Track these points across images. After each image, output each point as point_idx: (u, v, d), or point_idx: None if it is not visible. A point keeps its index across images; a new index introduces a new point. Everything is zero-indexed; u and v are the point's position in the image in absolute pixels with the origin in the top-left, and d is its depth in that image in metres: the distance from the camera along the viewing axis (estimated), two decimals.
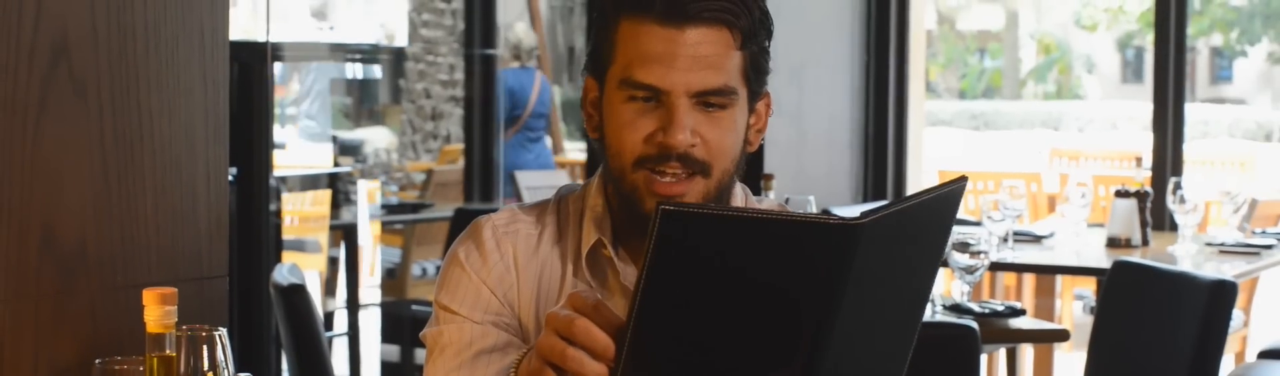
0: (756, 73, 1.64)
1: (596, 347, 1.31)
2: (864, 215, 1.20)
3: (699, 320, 1.25)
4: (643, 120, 1.61)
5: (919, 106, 6.07)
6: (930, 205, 1.30)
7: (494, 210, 1.77)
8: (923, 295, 1.40)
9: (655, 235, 1.22)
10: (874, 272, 1.25)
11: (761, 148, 4.79)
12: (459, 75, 8.80)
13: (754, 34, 1.62)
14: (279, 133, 5.88)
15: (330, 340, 4.99)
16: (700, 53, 1.59)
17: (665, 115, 1.59)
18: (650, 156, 1.60)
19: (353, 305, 5.39)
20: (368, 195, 5.76)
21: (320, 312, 3.23)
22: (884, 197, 5.89)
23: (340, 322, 5.47)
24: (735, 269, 1.23)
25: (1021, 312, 3.36)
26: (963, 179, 1.36)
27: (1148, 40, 19.12)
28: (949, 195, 1.34)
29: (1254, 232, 4.86)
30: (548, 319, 1.35)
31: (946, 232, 1.41)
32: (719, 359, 1.26)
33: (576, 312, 1.32)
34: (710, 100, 1.60)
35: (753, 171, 4.40)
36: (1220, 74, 22.26)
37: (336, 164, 6.27)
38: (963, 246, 3.30)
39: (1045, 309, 4.57)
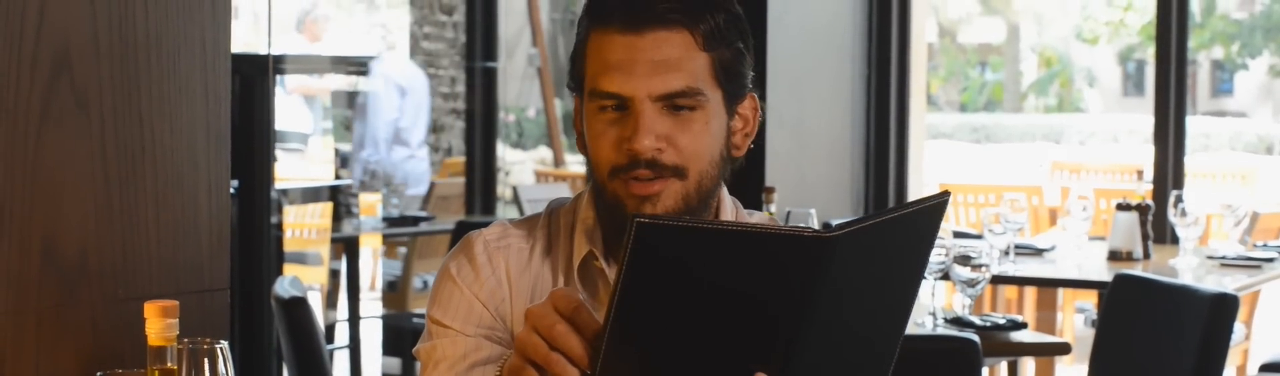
0: (729, 75, 1.63)
1: (573, 355, 1.32)
2: (838, 227, 1.21)
3: (673, 329, 1.26)
4: (613, 129, 1.61)
5: (920, 119, 6.06)
6: (910, 219, 1.31)
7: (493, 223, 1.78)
8: (904, 308, 1.40)
9: (630, 245, 1.23)
10: (850, 285, 1.26)
11: (762, 160, 4.79)
12: (460, 88, 8.81)
13: (721, 36, 1.62)
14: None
15: (331, 353, 4.98)
16: (659, 57, 1.59)
17: (631, 122, 1.60)
18: (622, 165, 1.61)
19: (354, 317, 5.39)
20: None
21: (321, 325, 3.22)
22: None
23: (341, 335, 5.47)
24: (709, 280, 1.24)
25: (1023, 326, 3.36)
26: (945, 194, 1.35)
27: (1149, 53, 19.12)
28: (931, 210, 1.34)
29: (1255, 246, 4.85)
30: (527, 314, 1.35)
31: (929, 246, 1.41)
32: (693, 367, 1.27)
33: (557, 314, 1.33)
34: (678, 103, 1.60)
35: (753, 184, 4.38)
36: (1221, 87, 22.27)
37: (338, 176, 6.27)
38: (964, 259, 3.30)
39: (1047, 322, 4.57)
